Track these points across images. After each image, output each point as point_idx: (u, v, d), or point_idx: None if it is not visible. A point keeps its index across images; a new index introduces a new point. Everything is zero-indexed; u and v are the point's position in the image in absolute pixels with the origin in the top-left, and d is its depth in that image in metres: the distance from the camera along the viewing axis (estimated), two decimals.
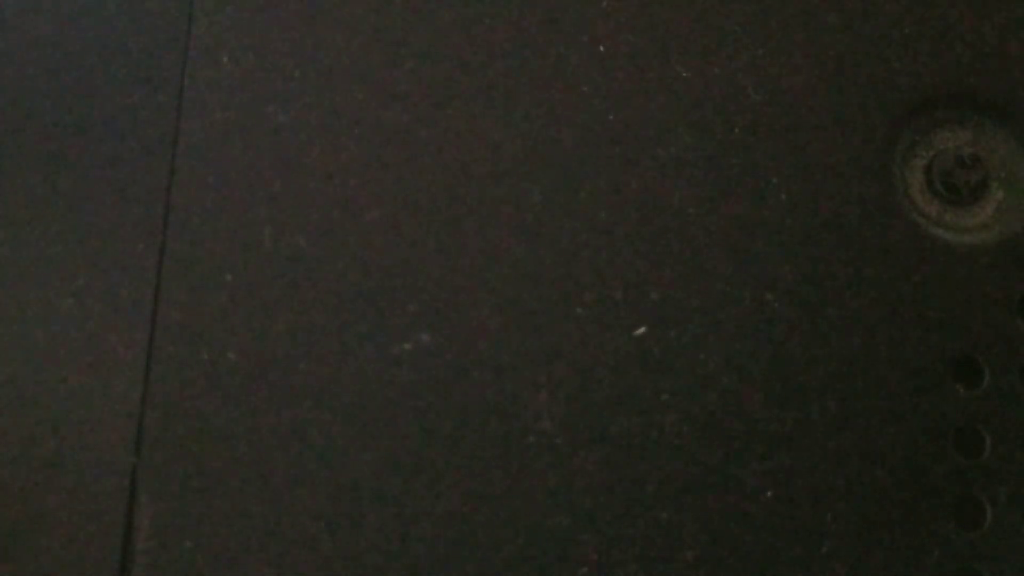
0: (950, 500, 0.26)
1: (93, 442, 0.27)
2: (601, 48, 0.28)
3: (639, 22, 0.28)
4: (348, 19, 0.28)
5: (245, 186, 0.28)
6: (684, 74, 0.28)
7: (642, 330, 0.27)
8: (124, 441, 0.27)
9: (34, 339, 0.27)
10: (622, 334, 0.27)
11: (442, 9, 0.28)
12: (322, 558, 0.26)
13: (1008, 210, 0.28)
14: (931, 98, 0.28)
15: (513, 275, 0.27)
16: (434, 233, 0.27)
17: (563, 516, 0.26)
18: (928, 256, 0.27)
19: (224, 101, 0.28)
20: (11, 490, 0.27)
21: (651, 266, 0.27)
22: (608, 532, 0.26)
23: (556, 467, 0.26)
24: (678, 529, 0.26)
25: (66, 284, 0.28)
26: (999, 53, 0.28)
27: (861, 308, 0.27)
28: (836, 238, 0.27)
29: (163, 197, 0.28)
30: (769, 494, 0.26)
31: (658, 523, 0.26)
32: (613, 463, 0.26)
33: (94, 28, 0.29)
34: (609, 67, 0.28)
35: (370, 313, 0.27)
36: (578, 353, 0.27)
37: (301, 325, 0.27)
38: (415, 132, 0.28)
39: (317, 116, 0.28)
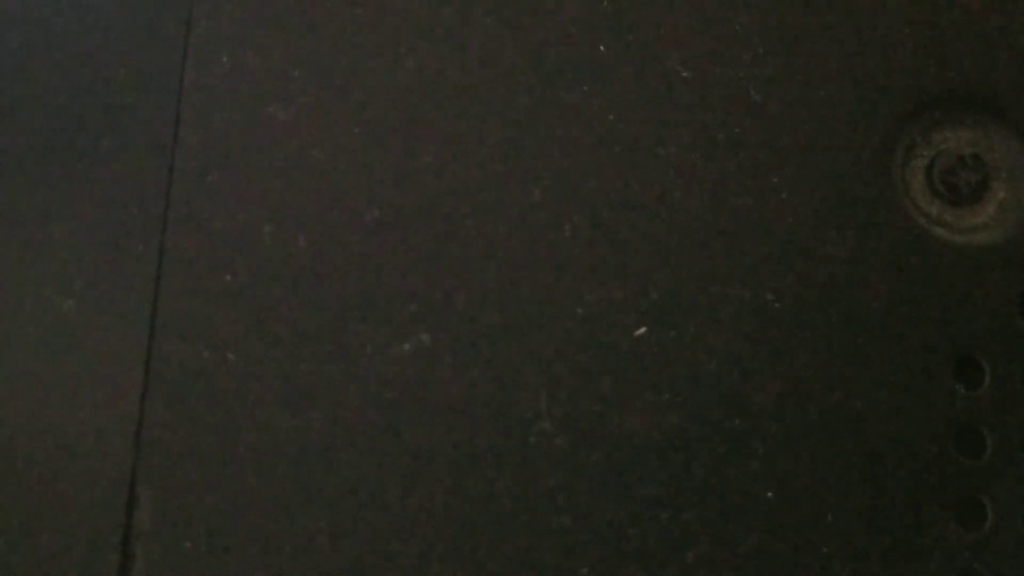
0: (950, 500, 0.26)
1: (93, 442, 0.27)
2: (601, 48, 0.28)
3: (639, 22, 0.28)
4: (348, 19, 0.28)
5: (245, 186, 0.28)
6: (684, 74, 0.28)
7: (642, 330, 0.27)
8: (124, 441, 0.27)
9: (34, 339, 0.27)
10: (622, 334, 0.27)
11: (442, 9, 0.28)
12: (322, 558, 0.26)
13: (1008, 210, 0.28)
14: (931, 98, 0.28)
15: (513, 275, 0.27)
16: (434, 233, 0.27)
17: (563, 516, 0.26)
18: (928, 256, 0.27)
19: (224, 101, 0.28)
20: (11, 489, 0.27)
21: (651, 266, 0.27)
22: (608, 532, 0.26)
23: (556, 467, 0.26)
24: (678, 529, 0.26)
25: (66, 284, 0.28)
26: (999, 53, 0.28)
27: (861, 308, 0.27)
28: (836, 238, 0.27)
29: (163, 197, 0.28)
30: (769, 494, 0.26)
31: (658, 523, 0.26)
32: (613, 463, 0.26)
33: (94, 28, 0.29)
34: (609, 67, 0.28)
35: (370, 313, 0.27)
36: (578, 353, 0.27)
37: (301, 325, 0.27)
38: (415, 132, 0.28)
39: (317, 116, 0.28)
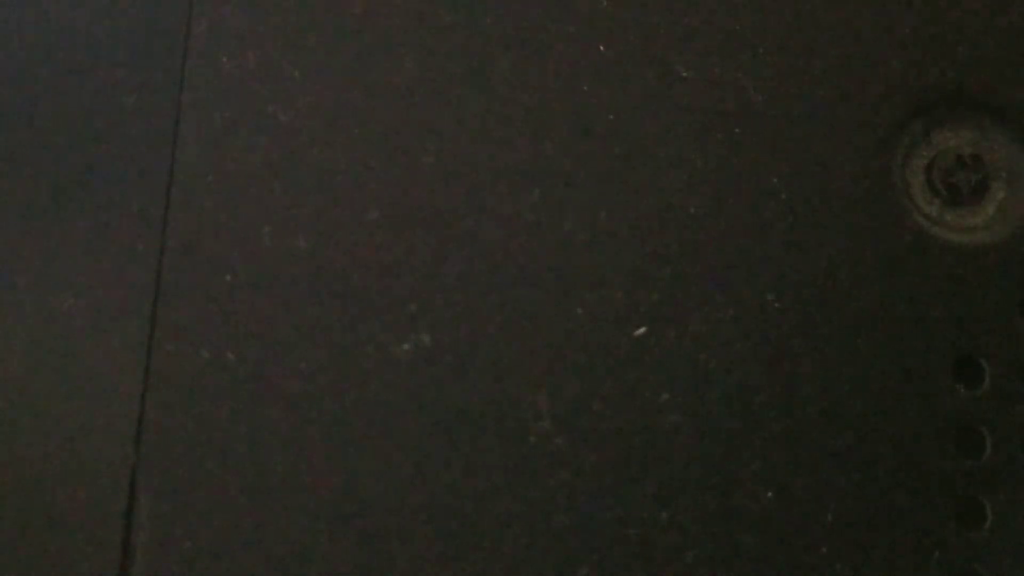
0: (950, 500, 0.26)
1: (93, 442, 0.27)
2: (601, 48, 0.28)
3: (639, 22, 0.28)
4: (348, 19, 0.28)
5: (245, 186, 0.28)
6: (684, 74, 0.28)
7: (642, 330, 0.27)
8: (124, 441, 0.27)
9: (34, 339, 0.27)
10: (622, 334, 0.27)
11: (442, 9, 0.28)
12: (322, 558, 0.26)
13: (1008, 210, 0.28)
14: (931, 98, 0.28)
15: (513, 275, 0.27)
16: (434, 233, 0.27)
17: (563, 516, 0.26)
18: (928, 256, 0.27)
19: (224, 101, 0.28)
20: (12, 490, 0.27)
21: (651, 266, 0.27)
22: (608, 532, 0.26)
23: (556, 467, 0.26)
24: (678, 529, 0.26)
25: (66, 284, 0.28)
26: (999, 53, 0.28)
27: (861, 308, 0.27)
28: (836, 238, 0.27)
29: (163, 197, 0.28)
30: (769, 494, 0.26)
31: (658, 523, 0.26)
32: (613, 463, 0.26)
33: (93, 28, 0.29)
34: (609, 67, 0.28)
35: (370, 313, 0.27)
36: (578, 353, 0.27)
37: (301, 325, 0.27)
38: (415, 132, 0.28)
39: (317, 116, 0.28)
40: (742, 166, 0.27)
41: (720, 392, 0.27)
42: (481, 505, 0.26)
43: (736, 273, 0.27)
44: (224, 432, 0.26)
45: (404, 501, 0.26)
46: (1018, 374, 0.27)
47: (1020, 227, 0.28)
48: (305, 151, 0.28)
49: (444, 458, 0.26)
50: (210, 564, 0.26)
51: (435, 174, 0.28)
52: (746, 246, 0.27)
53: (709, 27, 0.28)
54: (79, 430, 0.27)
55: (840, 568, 0.26)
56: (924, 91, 0.28)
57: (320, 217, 0.27)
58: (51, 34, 0.29)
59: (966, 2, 0.28)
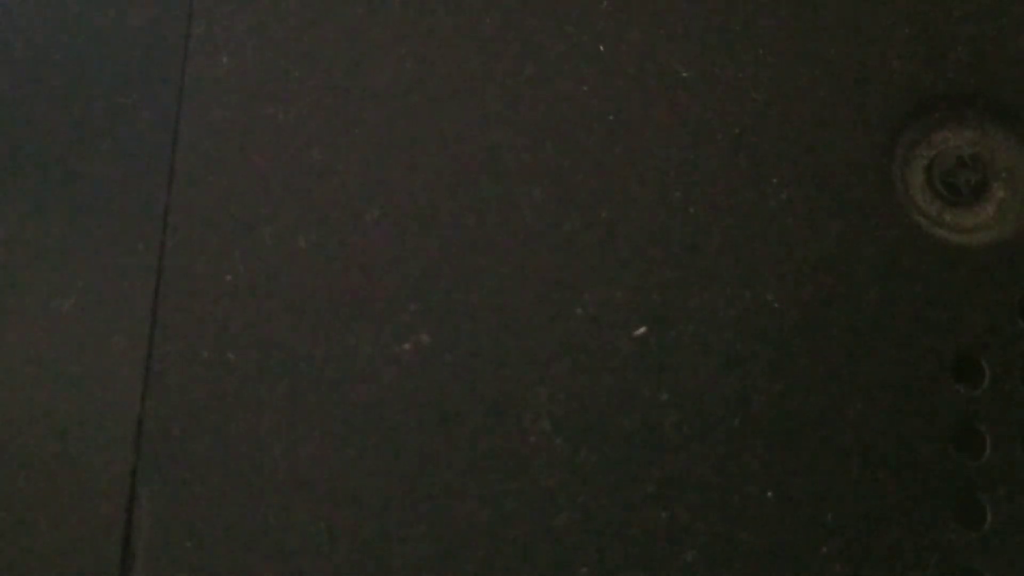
0: (950, 500, 0.26)
1: (93, 442, 0.27)
2: (601, 48, 0.28)
3: (639, 22, 0.28)
4: (348, 19, 0.28)
5: (245, 186, 0.28)
6: (684, 74, 0.28)
7: (642, 330, 0.27)
8: (124, 441, 0.27)
9: (34, 339, 0.27)
10: (622, 334, 0.27)
11: (442, 9, 0.28)
12: (322, 557, 0.26)
13: (1008, 210, 0.28)
14: (931, 98, 0.28)
15: (513, 275, 0.27)
16: (434, 233, 0.27)
17: (563, 516, 0.26)
18: (928, 256, 0.27)
19: (224, 101, 0.28)
20: (12, 489, 0.27)
21: (651, 266, 0.27)
22: (608, 532, 0.26)
23: (556, 467, 0.26)
24: (678, 529, 0.26)
25: (66, 284, 0.28)
26: (999, 53, 0.28)
27: (861, 308, 0.27)
28: (836, 238, 0.27)
29: (163, 197, 0.28)
30: (769, 494, 0.26)
31: (658, 523, 0.26)
32: (613, 463, 0.26)
33: (94, 28, 0.29)
34: (609, 67, 0.28)
35: (370, 313, 0.27)
36: (578, 353, 0.27)
37: (301, 325, 0.27)
38: (415, 132, 0.28)
39: (317, 116, 0.28)
40: (742, 166, 0.27)
41: (720, 392, 0.27)
42: (481, 505, 0.26)
43: (736, 273, 0.27)
44: (224, 432, 0.27)
45: (403, 500, 0.26)
46: (1018, 374, 0.27)
47: (1020, 227, 0.28)
48: (305, 151, 0.28)
49: (444, 458, 0.26)
50: (210, 564, 0.26)
51: (435, 174, 0.28)
52: (746, 246, 0.27)
53: (709, 27, 0.28)
54: (79, 430, 0.27)
55: (840, 568, 0.26)
56: (924, 91, 0.28)
57: (320, 217, 0.27)
58: (52, 34, 0.29)
59: (966, 2, 0.28)
